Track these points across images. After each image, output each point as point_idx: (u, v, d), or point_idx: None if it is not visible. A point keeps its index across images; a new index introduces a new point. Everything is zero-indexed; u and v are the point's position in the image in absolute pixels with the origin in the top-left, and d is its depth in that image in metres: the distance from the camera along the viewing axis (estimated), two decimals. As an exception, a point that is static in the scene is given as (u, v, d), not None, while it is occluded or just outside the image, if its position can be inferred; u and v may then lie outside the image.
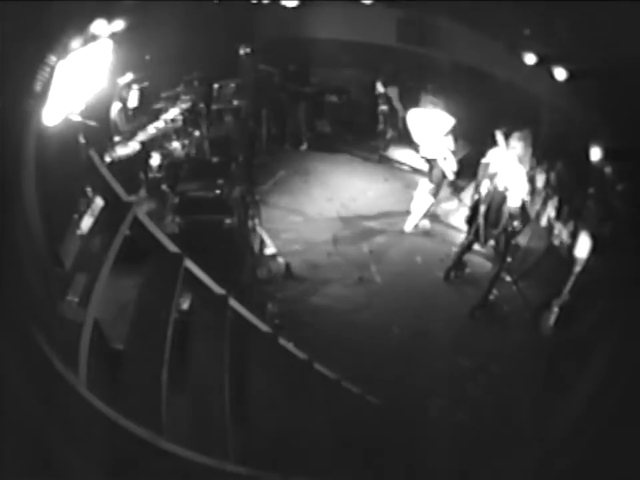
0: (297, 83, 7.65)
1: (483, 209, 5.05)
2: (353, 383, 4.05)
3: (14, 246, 1.66)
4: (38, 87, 1.80)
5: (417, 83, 7.07)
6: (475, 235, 5.25)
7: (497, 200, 4.97)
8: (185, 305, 3.51)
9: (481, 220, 5.08)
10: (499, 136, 4.97)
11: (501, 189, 4.92)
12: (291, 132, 7.91)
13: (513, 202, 4.89)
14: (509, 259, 5.36)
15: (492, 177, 4.98)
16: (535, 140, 5.03)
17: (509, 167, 4.87)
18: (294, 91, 7.64)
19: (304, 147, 7.86)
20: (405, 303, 5.28)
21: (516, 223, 4.97)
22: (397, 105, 7.38)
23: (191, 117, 6.28)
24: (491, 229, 5.08)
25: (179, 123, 6.14)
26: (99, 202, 2.91)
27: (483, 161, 5.17)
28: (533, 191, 5.15)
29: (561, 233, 5.22)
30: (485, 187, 5.04)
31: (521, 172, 4.86)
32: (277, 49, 7.53)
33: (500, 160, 4.95)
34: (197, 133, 6.35)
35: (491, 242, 5.41)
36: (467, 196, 6.43)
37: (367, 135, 7.95)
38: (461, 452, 3.64)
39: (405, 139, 7.04)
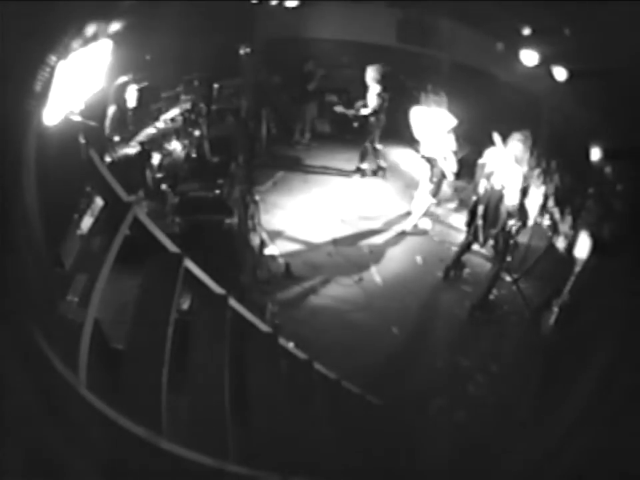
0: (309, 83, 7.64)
1: (481, 209, 5.05)
2: (353, 383, 4.05)
3: (14, 246, 1.66)
4: (38, 87, 1.80)
5: (417, 83, 7.08)
6: (473, 236, 5.25)
7: (494, 199, 4.96)
8: (185, 305, 3.52)
9: (479, 221, 5.08)
10: (497, 137, 4.98)
11: (497, 187, 4.91)
12: (300, 131, 7.93)
13: (511, 200, 4.89)
14: (508, 259, 5.36)
15: (489, 177, 4.97)
16: (535, 140, 5.03)
17: (506, 166, 4.87)
18: (307, 91, 7.63)
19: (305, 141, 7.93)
20: (405, 302, 5.28)
21: (514, 221, 4.97)
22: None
23: (190, 117, 6.28)
24: (490, 229, 5.08)
25: (179, 123, 6.14)
26: (98, 202, 2.91)
27: (480, 161, 5.17)
28: (527, 189, 5.14)
29: (561, 233, 5.23)
30: (482, 187, 5.04)
31: (518, 170, 4.86)
32: (277, 48, 7.53)
33: (496, 159, 4.95)
34: (197, 133, 6.35)
35: (490, 242, 5.41)
36: (467, 196, 6.47)
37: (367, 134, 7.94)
38: (460, 452, 3.64)
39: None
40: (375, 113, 6.97)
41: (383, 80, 6.83)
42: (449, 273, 5.61)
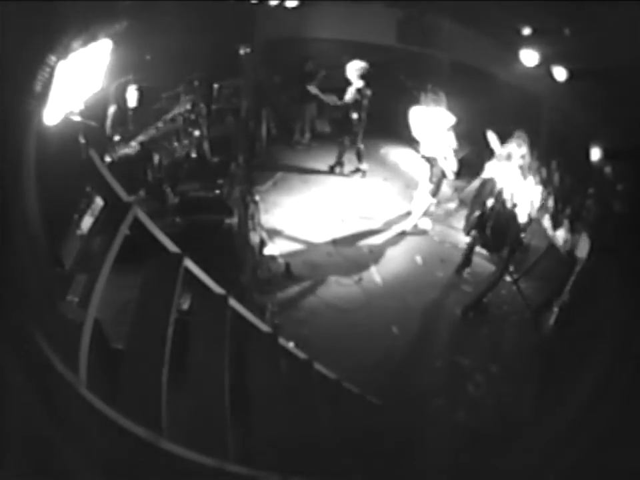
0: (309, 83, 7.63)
1: (490, 224, 5.07)
2: (353, 383, 4.05)
3: (14, 246, 1.66)
4: (38, 87, 1.80)
5: (417, 83, 7.08)
6: (484, 245, 5.26)
7: (503, 217, 4.98)
8: (185, 305, 3.51)
9: (488, 231, 5.09)
10: (491, 136, 4.98)
11: (508, 205, 4.93)
12: (300, 131, 7.94)
13: (522, 218, 4.90)
14: (511, 268, 5.37)
15: (498, 195, 4.98)
16: (533, 140, 5.03)
17: (513, 181, 4.88)
18: (307, 91, 7.61)
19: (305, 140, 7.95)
20: (405, 302, 5.28)
21: (524, 235, 4.99)
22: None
23: (191, 117, 6.28)
24: (501, 243, 5.10)
25: (179, 123, 6.14)
26: (98, 202, 2.91)
27: (484, 176, 5.18)
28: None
29: (561, 232, 5.22)
30: (490, 204, 5.06)
31: (525, 185, 4.88)
32: (277, 48, 7.53)
33: (502, 174, 4.96)
34: (197, 133, 6.35)
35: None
36: (468, 196, 6.50)
37: (367, 134, 7.94)
38: (460, 452, 3.64)
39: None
40: (352, 108, 6.92)
41: (362, 77, 6.79)
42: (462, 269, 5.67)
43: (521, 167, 4.85)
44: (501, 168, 4.97)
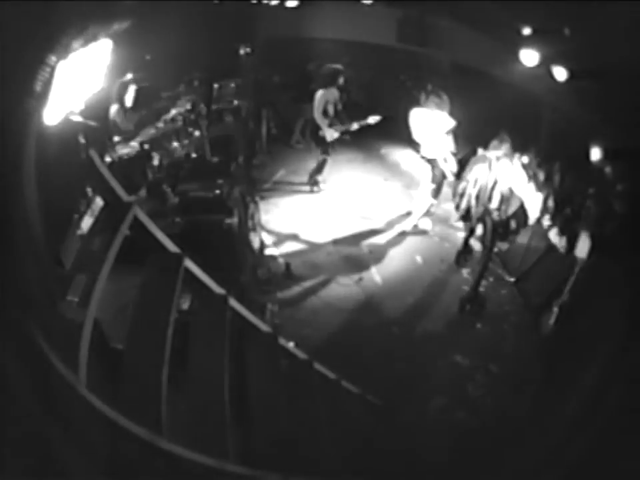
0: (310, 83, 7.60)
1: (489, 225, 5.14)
2: (353, 383, 4.05)
3: (14, 246, 1.66)
4: (38, 87, 1.81)
5: (417, 83, 7.08)
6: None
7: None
8: (185, 305, 3.52)
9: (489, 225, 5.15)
10: (504, 137, 5.00)
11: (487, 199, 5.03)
12: (300, 131, 7.93)
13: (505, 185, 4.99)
14: (496, 249, 5.40)
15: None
16: (533, 140, 5.05)
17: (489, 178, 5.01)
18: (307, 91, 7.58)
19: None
20: (405, 302, 5.28)
21: (504, 208, 5.04)
22: (317, 115, 6.67)
23: (191, 117, 6.28)
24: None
25: (179, 123, 6.14)
26: (98, 202, 2.91)
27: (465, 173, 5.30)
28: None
29: (561, 232, 5.23)
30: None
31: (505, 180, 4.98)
32: (277, 48, 7.53)
33: (481, 173, 5.07)
34: (197, 133, 6.35)
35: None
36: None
37: (367, 134, 7.95)
38: (460, 452, 3.65)
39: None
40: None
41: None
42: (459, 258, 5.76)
43: (501, 161, 4.93)
44: (482, 167, 5.07)
